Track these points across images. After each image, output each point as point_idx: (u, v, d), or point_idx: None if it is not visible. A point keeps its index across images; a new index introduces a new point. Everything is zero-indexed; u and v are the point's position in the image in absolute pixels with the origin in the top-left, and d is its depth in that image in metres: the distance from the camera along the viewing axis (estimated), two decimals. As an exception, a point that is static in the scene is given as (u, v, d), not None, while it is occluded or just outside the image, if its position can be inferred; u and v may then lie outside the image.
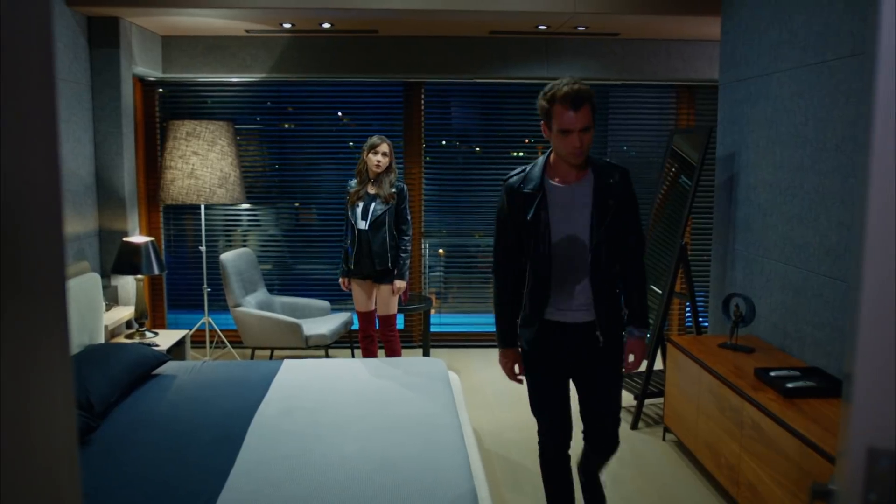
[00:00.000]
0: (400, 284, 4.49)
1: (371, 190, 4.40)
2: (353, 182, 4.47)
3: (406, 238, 4.48)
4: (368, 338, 4.70)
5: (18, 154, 0.50)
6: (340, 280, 4.60)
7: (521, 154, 6.01)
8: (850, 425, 0.65)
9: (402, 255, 4.47)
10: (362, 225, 4.38)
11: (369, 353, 4.71)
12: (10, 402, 0.50)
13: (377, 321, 4.65)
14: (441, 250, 6.08)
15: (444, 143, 5.99)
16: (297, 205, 5.98)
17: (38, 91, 0.53)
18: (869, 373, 0.65)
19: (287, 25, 5.11)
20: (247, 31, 5.33)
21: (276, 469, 2.70)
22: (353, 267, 4.46)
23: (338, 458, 2.78)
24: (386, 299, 4.53)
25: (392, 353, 4.61)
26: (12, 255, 0.49)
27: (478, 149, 6.02)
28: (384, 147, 4.33)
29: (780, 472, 2.75)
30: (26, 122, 0.52)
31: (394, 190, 4.40)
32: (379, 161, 4.31)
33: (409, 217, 4.51)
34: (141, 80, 5.54)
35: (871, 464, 0.65)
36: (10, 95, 0.49)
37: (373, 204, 4.38)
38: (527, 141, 5.98)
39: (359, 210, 4.39)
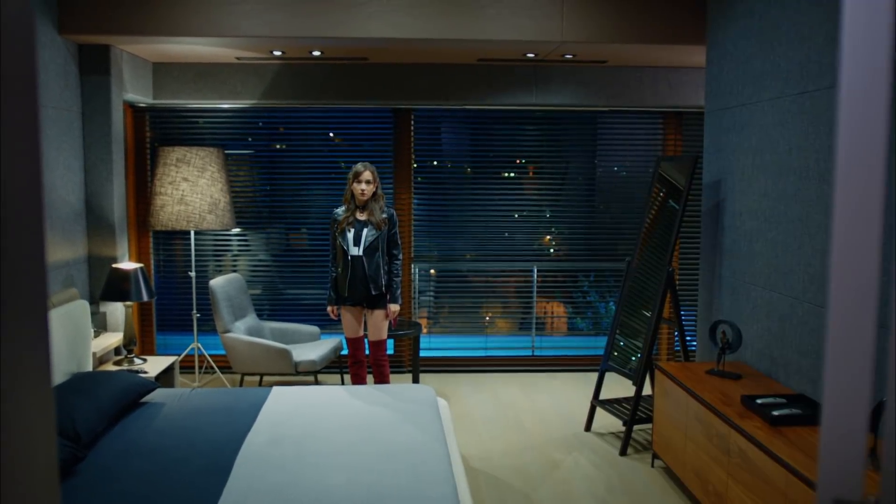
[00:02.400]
0: (395, 308, 4.51)
1: (360, 216, 4.43)
2: (341, 210, 4.49)
3: (398, 262, 4.52)
4: (358, 363, 4.70)
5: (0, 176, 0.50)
6: (329, 308, 4.60)
7: (512, 175, 6.05)
8: (819, 478, 0.67)
9: (395, 278, 4.50)
10: (355, 251, 4.40)
11: (359, 379, 4.70)
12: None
13: (367, 346, 4.65)
14: (433, 270, 6.11)
15: (435, 162, 6.04)
16: (286, 230, 5.99)
17: (22, 113, 0.53)
18: (835, 428, 0.67)
19: (277, 53, 5.15)
20: (237, 59, 5.37)
21: (264, 499, 2.68)
22: (346, 294, 4.47)
23: (325, 488, 2.78)
24: (378, 324, 4.54)
25: (381, 378, 4.61)
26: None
27: (469, 169, 6.06)
28: (367, 174, 4.36)
29: (767, 500, 2.76)
30: (9, 143, 0.52)
31: (385, 216, 4.44)
32: (363, 189, 4.35)
33: (399, 241, 4.55)
34: (131, 106, 5.57)
35: (837, 515, 0.67)
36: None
37: (364, 230, 4.40)
38: (518, 161, 6.02)
39: (350, 236, 4.41)
